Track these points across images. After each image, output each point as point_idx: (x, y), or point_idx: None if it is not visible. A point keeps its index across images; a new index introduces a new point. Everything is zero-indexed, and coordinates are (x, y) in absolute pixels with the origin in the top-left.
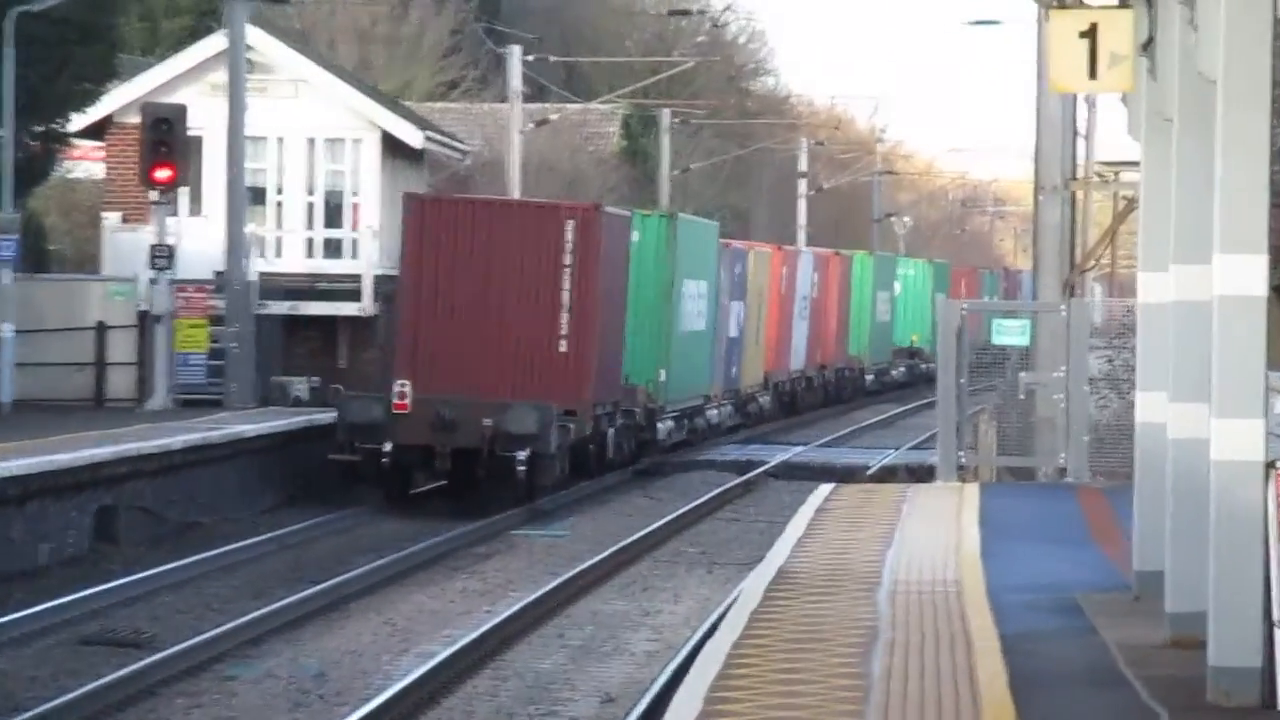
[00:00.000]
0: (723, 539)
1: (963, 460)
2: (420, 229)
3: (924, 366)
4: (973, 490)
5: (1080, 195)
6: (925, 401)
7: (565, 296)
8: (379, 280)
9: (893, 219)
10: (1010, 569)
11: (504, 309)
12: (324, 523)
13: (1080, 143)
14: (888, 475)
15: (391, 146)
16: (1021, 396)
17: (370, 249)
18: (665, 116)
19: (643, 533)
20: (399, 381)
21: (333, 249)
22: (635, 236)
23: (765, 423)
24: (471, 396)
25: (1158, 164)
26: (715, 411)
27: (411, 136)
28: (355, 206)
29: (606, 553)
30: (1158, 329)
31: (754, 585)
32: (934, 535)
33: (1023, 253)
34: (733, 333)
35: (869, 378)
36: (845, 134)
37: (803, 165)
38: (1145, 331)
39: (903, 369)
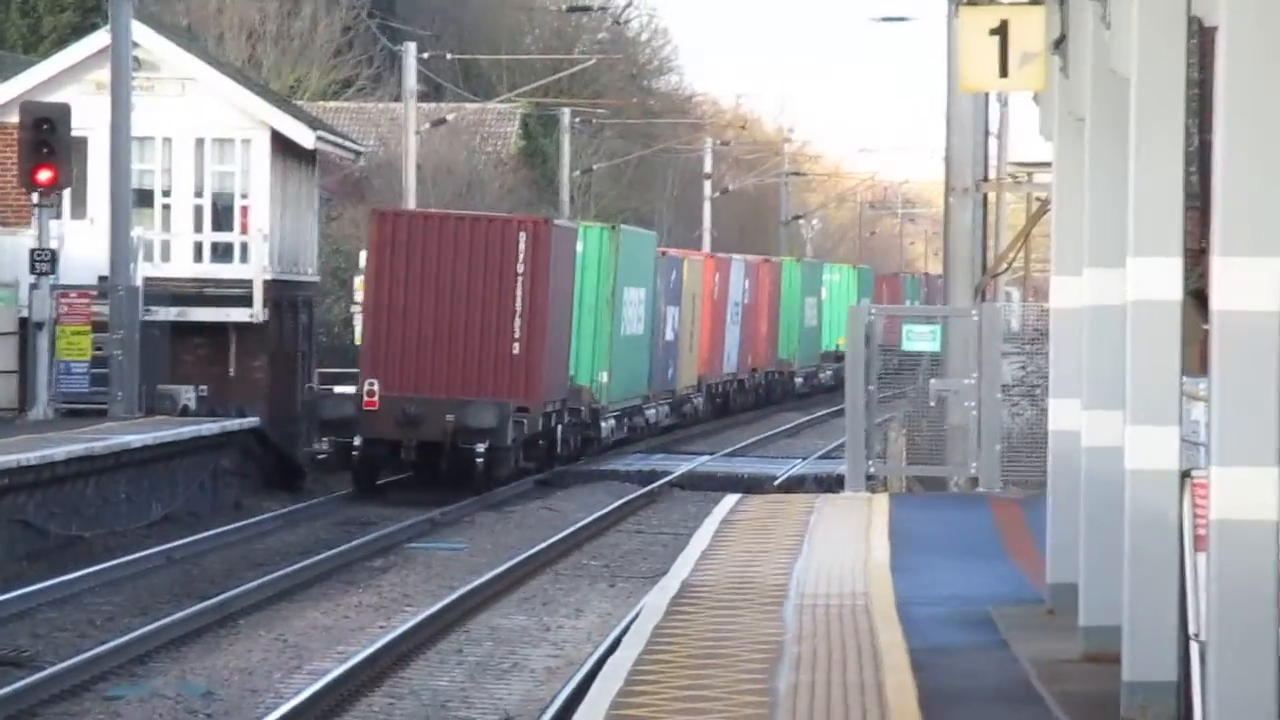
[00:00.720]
0: (625, 552)
1: (872, 470)
2: (383, 241)
3: None
4: (882, 501)
5: (993, 197)
6: None
7: (518, 302)
8: (270, 285)
9: (800, 221)
10: (921, 582)
11: (462, 314)
12: (215, 535)
13: (993, 143)
14: (795, 485)
15: (282, 147)
16: (932, 404)
17: (260, 252)
18: (566, 116)
19: (543, 545)
20: (368, 380)
21: (222, 253)
22: (581, 247)
23: (699, 423)
24: (434, 394)
25: (1070, 165)
26: (653, 411)
27: (303, 136)
28: (245, 209)
29: (505, 566)
30: (1071, 334)
31: (657, 600)
32: (842, 547)
33: (934, 256)
34: (669, 337)
35: (798, 380)
36: (751, 134)
37: (708, 166)
38: (1058, 337)
39: (830, 373)
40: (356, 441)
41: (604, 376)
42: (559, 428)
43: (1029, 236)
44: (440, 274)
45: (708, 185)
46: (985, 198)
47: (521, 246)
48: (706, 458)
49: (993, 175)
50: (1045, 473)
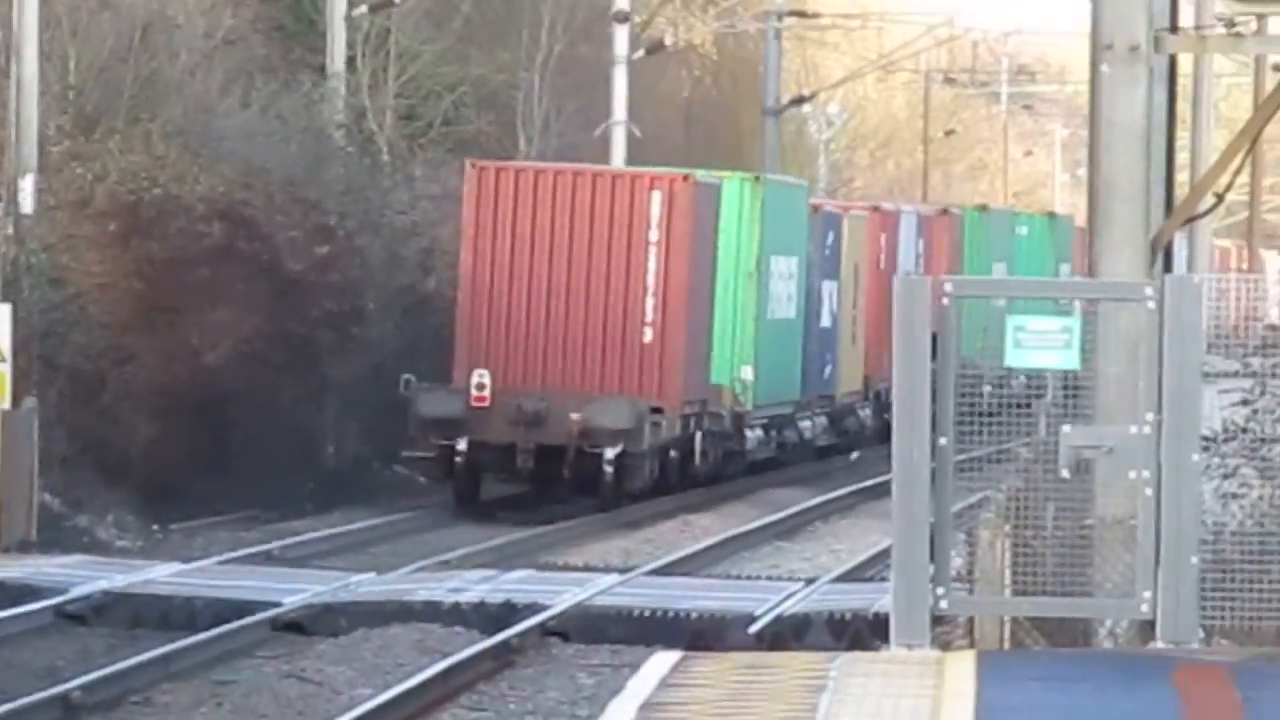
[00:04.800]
0: None
1: (944, 605)
2: (482, 202)
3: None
4: (964, 668)
5: (1187, 62)
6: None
7: (650, 279)
8: None
9: (805, 110)
10: None
11: (582, 293)
12: None
13: None
14: (793, 632)
15: None
16: (1065, 474)
17: None
18: None
19: None
20: (477, 372)
21: None
22: (723, 206)
23: (865, 444)
24: (554, 388)
25: None
26: (808, 423)
27: None
28: None
29: None
30: None
31: None
32: None
33: (1073, 182)
34: (825, 322)
35: (987, 388)
36: None
37: None
38: None
39: (1023, 379)
40: (461, 445)
41: (747, 373)
42: (697, 435)
43: (1257, 139)
44: (555, 243)
45: (620, 35)
46: (1173, 64)
47: (655, 209)
48: (618, 577)
49: (1189, 23)
50: None
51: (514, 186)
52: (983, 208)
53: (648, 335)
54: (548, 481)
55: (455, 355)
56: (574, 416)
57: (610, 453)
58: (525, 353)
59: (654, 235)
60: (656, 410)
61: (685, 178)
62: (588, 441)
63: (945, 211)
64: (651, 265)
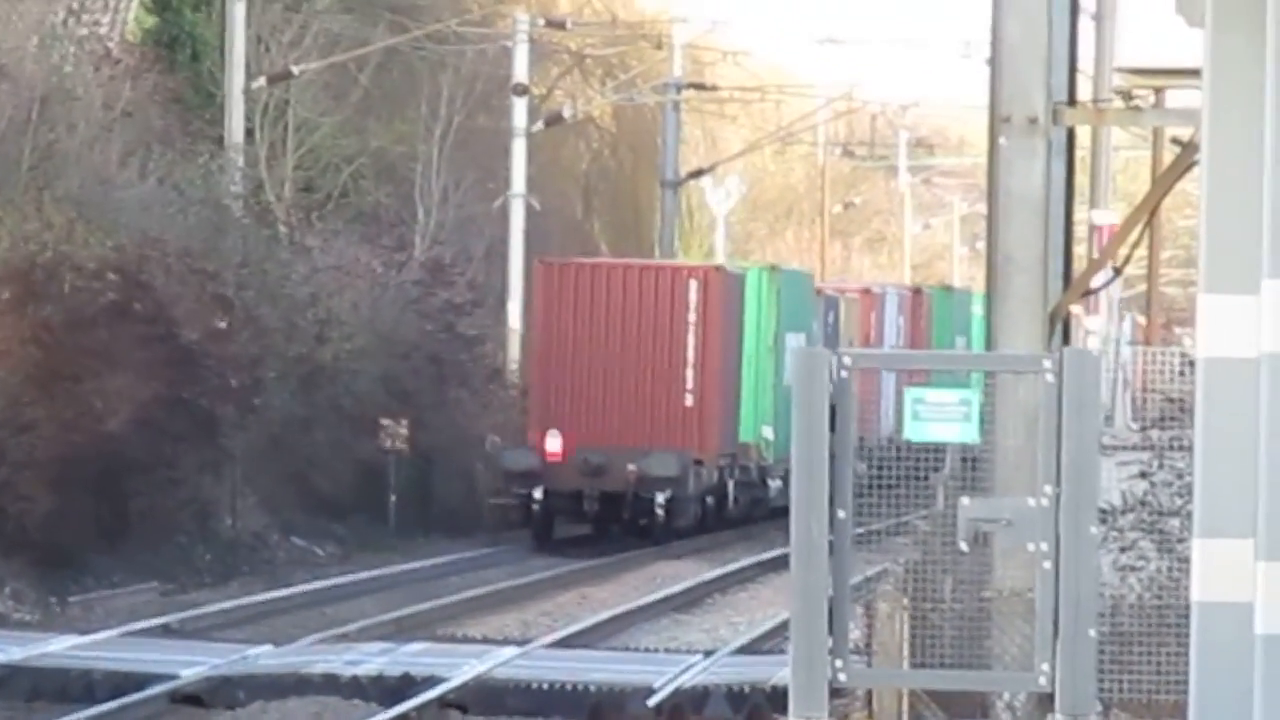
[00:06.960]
0: None
1: (843, 677)
2: (549, 292)
3: None
4: None
5: (1085, 134)
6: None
7: (690, 353)
8: None
9: (704, 183)
10: None
11: (633, 364)
12: None
13: (1086, 34)
14: (691, 705)
15: None
16: (963, 547)
17: None
18: None
19: None
20: (550, 432)
21: None
22: (746, 291)
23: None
24: (614, 444)
25: (1237, 76)
26: None
27: None
28: None
29: None
30: (1234, 407)
31: None
32: None
33: (974, 255)
34: None
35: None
36: (605, 7)
37: (519, 71)
38: (1211, 412)
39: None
40: (537, 494)
41: (768, 432)
42: (730, 483)
43: (1156, 212)
44: (610, 324)
45: (519, 107)
46: (1071, 137)
47: (692, 295)
48: (516, 650)
49: (1088, 95)
50: (1182, 683)
51: (574, 279)
52: (947, 287)
53: (689, 400)
54: (609, 522)
55: (529, 418)
56: (631, 467)
57: (661, 497)
58: (589, 415)
59: (692, 317)
60: (698, 462)
61: (717, 269)
62: (643, 488)
63: (918, 291)
64: (690, 342)
